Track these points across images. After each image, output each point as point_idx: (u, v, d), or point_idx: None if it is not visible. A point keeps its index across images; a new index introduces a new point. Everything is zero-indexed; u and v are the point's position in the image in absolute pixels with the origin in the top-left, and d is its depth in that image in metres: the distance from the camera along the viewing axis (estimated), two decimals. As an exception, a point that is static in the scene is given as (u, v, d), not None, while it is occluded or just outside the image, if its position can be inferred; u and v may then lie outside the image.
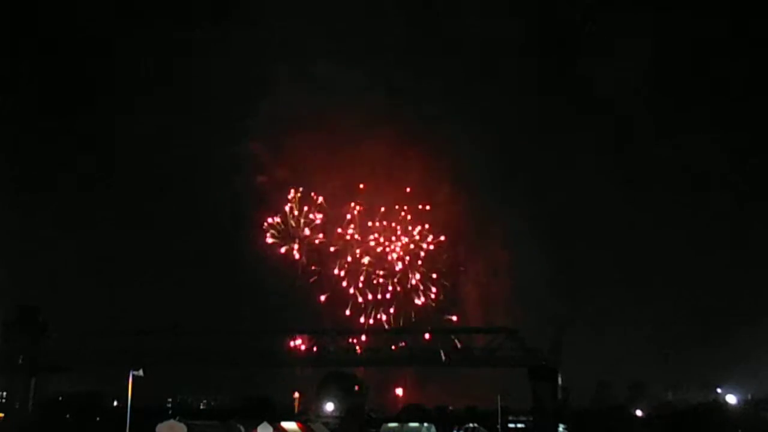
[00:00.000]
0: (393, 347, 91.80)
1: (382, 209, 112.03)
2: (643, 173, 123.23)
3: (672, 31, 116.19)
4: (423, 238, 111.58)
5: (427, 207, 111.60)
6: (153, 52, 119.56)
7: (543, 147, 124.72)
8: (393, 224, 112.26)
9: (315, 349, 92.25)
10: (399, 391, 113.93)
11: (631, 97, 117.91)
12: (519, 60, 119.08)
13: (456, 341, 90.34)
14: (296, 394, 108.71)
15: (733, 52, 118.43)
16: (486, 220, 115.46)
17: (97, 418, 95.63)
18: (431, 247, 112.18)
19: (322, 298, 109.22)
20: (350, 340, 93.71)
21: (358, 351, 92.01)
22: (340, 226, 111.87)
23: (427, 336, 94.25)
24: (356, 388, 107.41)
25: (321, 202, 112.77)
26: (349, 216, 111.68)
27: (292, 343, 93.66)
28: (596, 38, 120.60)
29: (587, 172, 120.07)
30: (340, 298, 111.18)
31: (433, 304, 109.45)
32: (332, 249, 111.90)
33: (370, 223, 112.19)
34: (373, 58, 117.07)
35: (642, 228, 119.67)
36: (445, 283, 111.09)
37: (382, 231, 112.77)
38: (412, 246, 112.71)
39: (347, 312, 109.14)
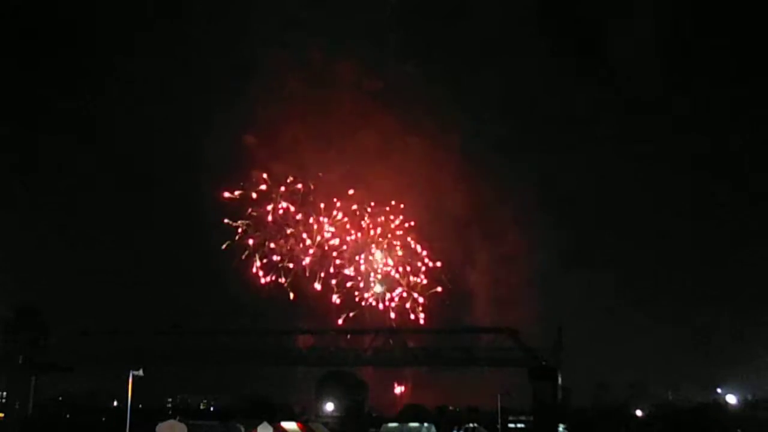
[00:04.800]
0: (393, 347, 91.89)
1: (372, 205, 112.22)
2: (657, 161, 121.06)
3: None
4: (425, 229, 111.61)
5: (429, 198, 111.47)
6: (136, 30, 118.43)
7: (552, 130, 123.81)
8: (391, 217, 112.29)
9: (315, 348, 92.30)
10: (399, 391, 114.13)
11: (646, 78, 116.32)
12: (528, 37, 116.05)
13: None
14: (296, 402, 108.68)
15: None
16: (491, 209, 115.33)
17: (103, 419, 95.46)
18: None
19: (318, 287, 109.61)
20: (349, 339, 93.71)
21: (358, 351, 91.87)
22: (338, 221, 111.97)
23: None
24: (356, 388, 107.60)
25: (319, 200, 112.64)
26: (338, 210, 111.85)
27: (292, 343, 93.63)
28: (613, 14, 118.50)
29: (597, 159, 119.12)
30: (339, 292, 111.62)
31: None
32: (334, 242, 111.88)
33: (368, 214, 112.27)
34: (372, 42, 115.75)
35: (647, 222, 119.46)
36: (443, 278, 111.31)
37: (381, 224, 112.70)
38: (411, 241, 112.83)
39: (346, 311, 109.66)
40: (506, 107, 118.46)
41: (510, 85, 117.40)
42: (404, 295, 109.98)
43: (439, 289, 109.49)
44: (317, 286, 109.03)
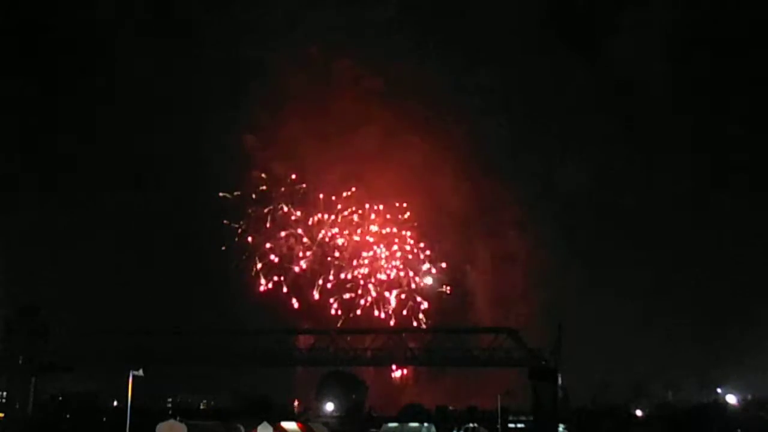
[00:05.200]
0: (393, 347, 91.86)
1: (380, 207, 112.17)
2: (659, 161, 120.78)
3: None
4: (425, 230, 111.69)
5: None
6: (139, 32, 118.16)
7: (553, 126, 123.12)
8: (388, 216, 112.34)
9: (315, 348, 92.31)
10: (399, 391, 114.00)
11: (650, 75, 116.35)
12: (530, 36, 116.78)
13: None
14: (296, 402, 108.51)
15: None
16: (492, 209, 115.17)
17: (104, 419, 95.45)
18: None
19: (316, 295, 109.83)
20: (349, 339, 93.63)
21: (358, 351, 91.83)
22: (338, 221, 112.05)
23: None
24: (356, 388, 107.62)
25: (321, 198, 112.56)
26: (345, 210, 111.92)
27: (292, 343, 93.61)
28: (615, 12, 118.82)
29: (599, 158, 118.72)
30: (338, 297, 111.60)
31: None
32: (339, 242, 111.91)
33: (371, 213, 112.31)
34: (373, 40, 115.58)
35: (648, 222, 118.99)
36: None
37: (381, 223, 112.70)
38: (412, 241, 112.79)
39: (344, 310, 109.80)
40: (508, 106, 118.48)
41: (512, 84, 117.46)
42: (402, 296, 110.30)
43: (447, 289, 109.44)
44: (316, 294, 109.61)
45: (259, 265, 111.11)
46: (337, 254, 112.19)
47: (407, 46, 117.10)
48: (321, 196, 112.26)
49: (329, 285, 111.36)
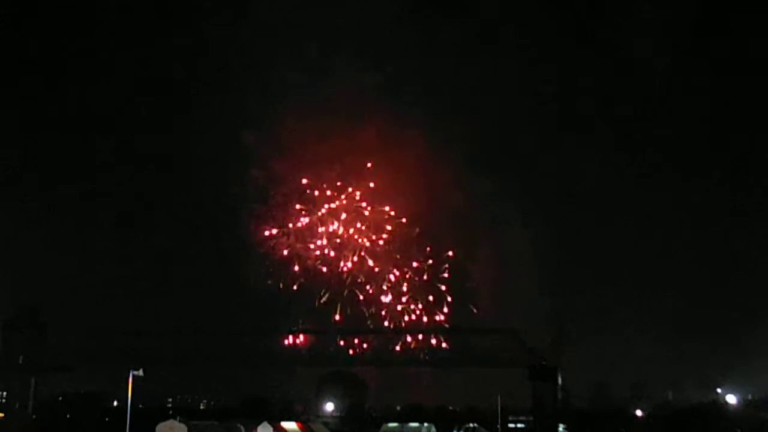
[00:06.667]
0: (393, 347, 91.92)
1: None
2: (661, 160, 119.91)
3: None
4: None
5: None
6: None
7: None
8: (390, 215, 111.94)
9: (315, 348, 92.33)
10: (399, 391, 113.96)
11: (657, 69, 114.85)
12: (529, 33, 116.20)
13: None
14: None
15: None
16: (492, 208, 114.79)
17: (106, 419, 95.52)
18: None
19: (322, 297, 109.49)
20: (349, 339, 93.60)
21: (359, 351, 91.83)
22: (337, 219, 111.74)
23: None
24: (356, 388, 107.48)
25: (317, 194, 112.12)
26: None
27: (291, 343, 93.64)
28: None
29: (600, 157, 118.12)
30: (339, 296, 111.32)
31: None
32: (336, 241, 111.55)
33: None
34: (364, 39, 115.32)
35: (649, 222, 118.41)
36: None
37: (382, 221, 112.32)
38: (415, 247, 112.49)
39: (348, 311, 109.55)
40: (507, 104, 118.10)
41: (512, 81, 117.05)
42: (404, 299, 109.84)
43: (474, 310, 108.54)
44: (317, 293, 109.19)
45: (259, 265, 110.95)
46: (336, 254, 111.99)
47: (408, 40, 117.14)
48: (320, 194, 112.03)
49: (329, 284, 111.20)
